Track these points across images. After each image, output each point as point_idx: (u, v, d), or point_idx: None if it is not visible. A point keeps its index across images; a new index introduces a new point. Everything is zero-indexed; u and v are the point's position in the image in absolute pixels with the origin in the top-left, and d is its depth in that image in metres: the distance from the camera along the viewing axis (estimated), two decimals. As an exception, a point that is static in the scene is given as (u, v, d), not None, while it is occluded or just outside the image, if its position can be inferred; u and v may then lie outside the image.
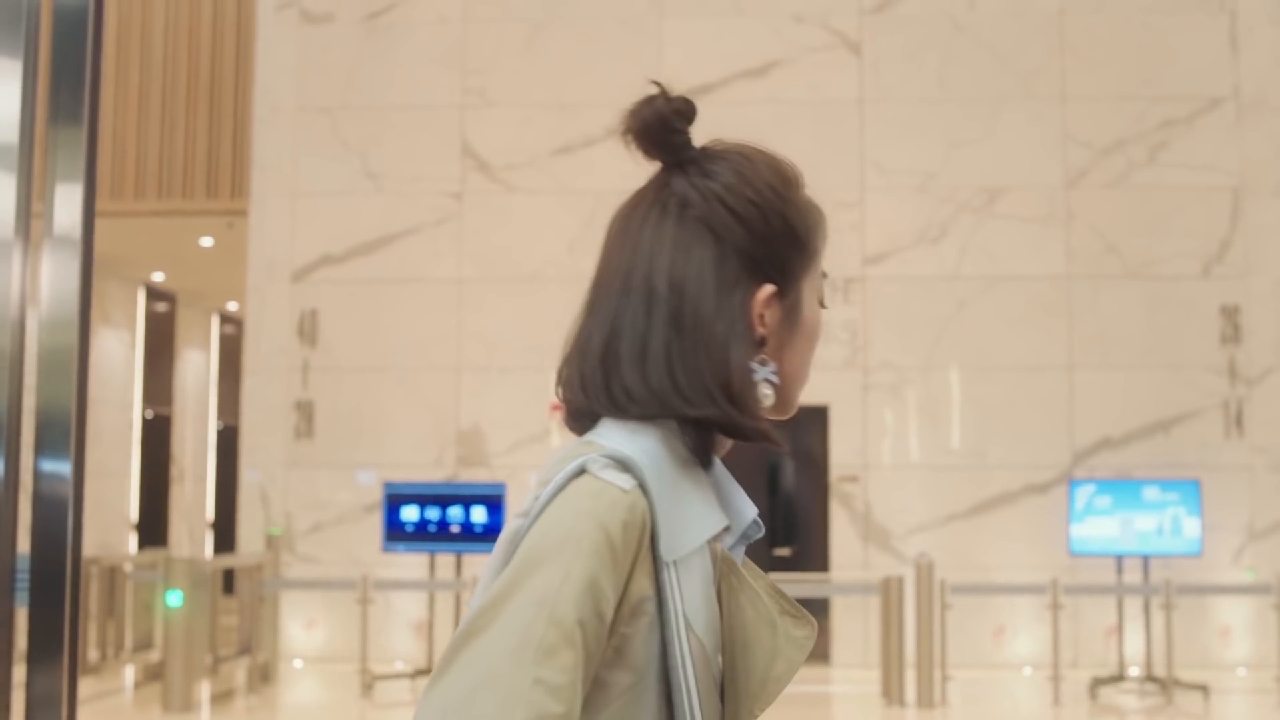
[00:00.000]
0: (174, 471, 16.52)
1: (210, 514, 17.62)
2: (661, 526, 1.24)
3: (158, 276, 15.49)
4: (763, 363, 1.32)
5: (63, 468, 2.43)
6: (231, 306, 17.63)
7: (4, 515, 2.34)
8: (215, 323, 17.94)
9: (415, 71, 11.05)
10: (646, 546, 1.23)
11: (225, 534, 17.29)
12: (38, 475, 2.43)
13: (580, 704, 1.18)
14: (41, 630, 2.38)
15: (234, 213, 11.64)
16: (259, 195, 11.12)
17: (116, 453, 15.01)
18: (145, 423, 15.85)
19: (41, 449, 2.45)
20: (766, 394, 1.32)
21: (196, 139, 11.72)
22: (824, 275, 1.38)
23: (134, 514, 15.40)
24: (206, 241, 13.11)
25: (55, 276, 2.61)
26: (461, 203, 10.91)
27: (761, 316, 1.32)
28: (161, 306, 16.31)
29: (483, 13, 11.04)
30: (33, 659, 2.39)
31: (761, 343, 1.32)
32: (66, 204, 2.65)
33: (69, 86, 2.69)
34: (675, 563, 1.24)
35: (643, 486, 1.24)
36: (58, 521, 2.40)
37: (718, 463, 1.36)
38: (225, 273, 14.03)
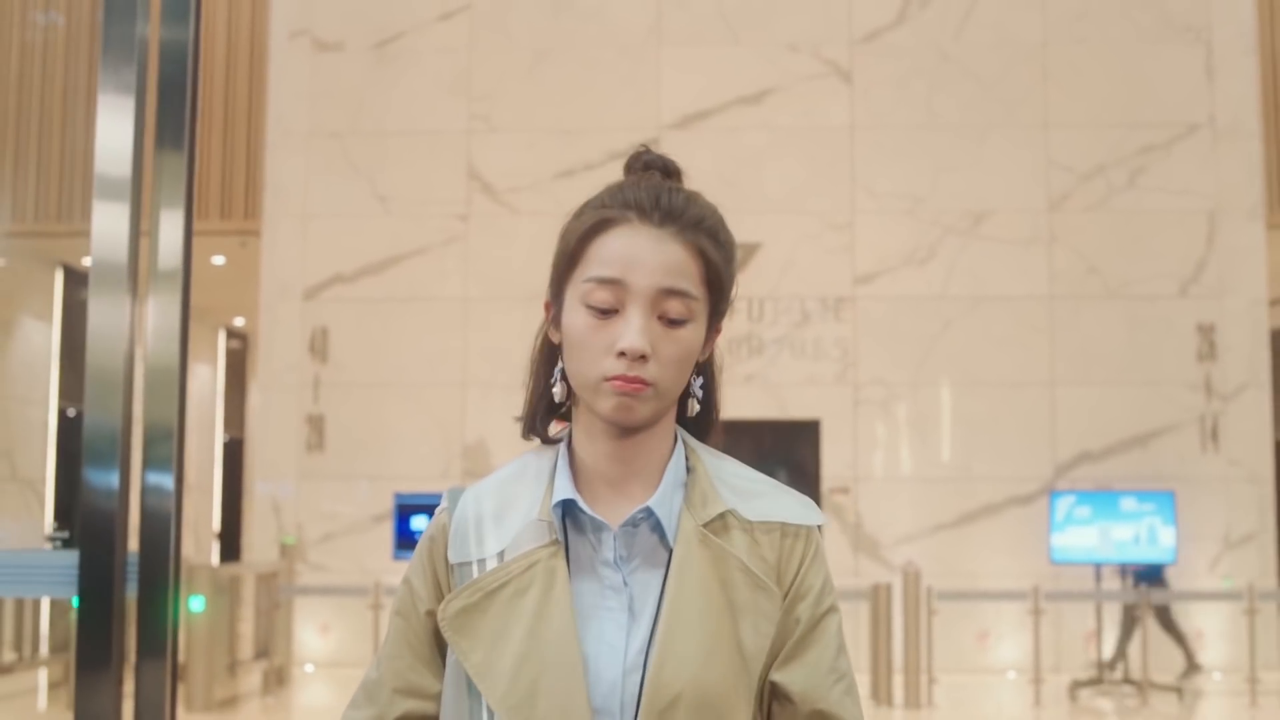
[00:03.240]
0: (182, 483, 16.87)
1: (217, 524, 17.99)
2: (450, 535, 1.49)
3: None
4: (561, 370, 1.51)
5: (166, 480, 2.82)
6: (238, 322, 18.02)
7: (118, 522, 2.73)
8: (222, 338, 18.32)
9: (423, 98, 11.46)
10: (444, 555, 1.49)
11: (231, 544, 17.67)
12: (145, 488, 2.81)
13: (407, 674, 1.50)
14: (148, 629, 2.74)
15: (247, 233, 12.04)
16: (272, 216, 11.52)
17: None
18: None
19: (148, 463, 2.84)
20: (555, 390, 1.52)
21: (211, 162, 12.13)
22: (604, 280, 1.42)
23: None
24: (219, 260, 13.51)
25: (159, 301, 2.96)
26: (467, 224, 11.32)
27: (551, 331, 1.53)
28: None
29: (488, 41, 11.46)
30: (140, 655, 2.75)
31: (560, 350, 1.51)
32: (170, 228, 2.99)
33: (172, 116, 3.01)
34: (472, 564, 1.47)
35: (453, 506, 1.51)
36: (162, 528, 2.78)
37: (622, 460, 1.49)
38: (235, 290, 14.42)
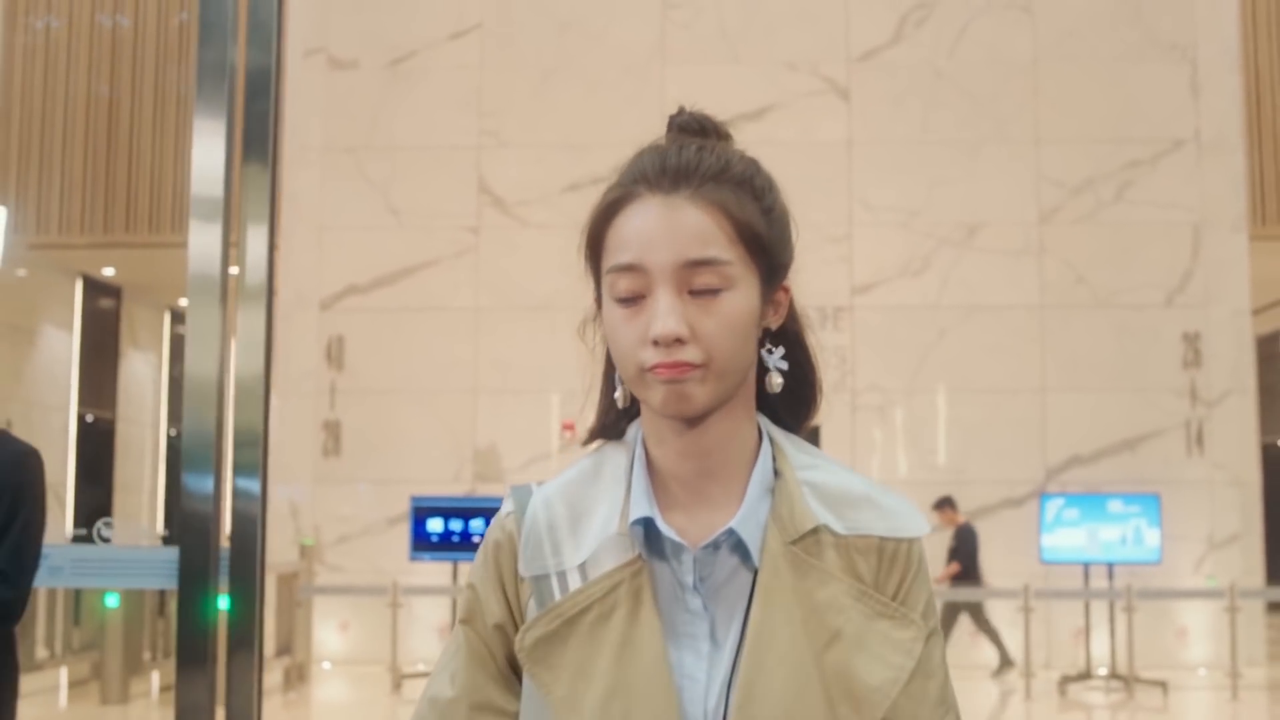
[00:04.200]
0: (195, 487, 17.28)
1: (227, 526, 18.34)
2: (521, 545, 1.35)
3: (183, 302, 16.31)
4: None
5: (253, 484, 3.19)
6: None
7: (214, 522, 3.09)
8: (234, 345, 18.68)
9: (434, 114, 11.85)
10: (512, 567, 1.36)
11: (242, 547, 18.04)
12: (235, 492, 3.17)
13: (485, 689, 1.36)
14: (239, 622, 3.06)
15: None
16: (289, 229, 11.91)
17: (146, 468, 15.78)
18: (169, 440, 16.61)
19: (237, 468, 3.20)
20: (616, 396, 1.38)
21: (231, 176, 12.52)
22: (621, 268, 1.29)
23: (160, 527, 16.15)
24: (234, 270, 13.87)
25: (246, 313, 3.25)
26: (478, 236, 11.71)
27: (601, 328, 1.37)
28: (182, 329, 17.10)
29: (498, 60, 11.86)
30: (231, 647, 3.08)
31: None
32: (256, 242, 3.29)
33: (258, 135, 3.32)
34: (550, 577, 1.33)
35: (520, 510, 1.39)
36: (250, 528, 3.14)
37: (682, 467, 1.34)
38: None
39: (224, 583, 3.03)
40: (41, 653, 10.49)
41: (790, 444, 1.38)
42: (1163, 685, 9.83)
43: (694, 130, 1.36)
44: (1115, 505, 10.26)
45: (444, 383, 11.59)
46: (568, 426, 11.37)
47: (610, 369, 1.39)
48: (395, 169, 11.82)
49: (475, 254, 11.68)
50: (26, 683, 9.67)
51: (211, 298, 3.06)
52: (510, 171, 11.70)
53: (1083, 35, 11.66)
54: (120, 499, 15.30)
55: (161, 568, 3.03)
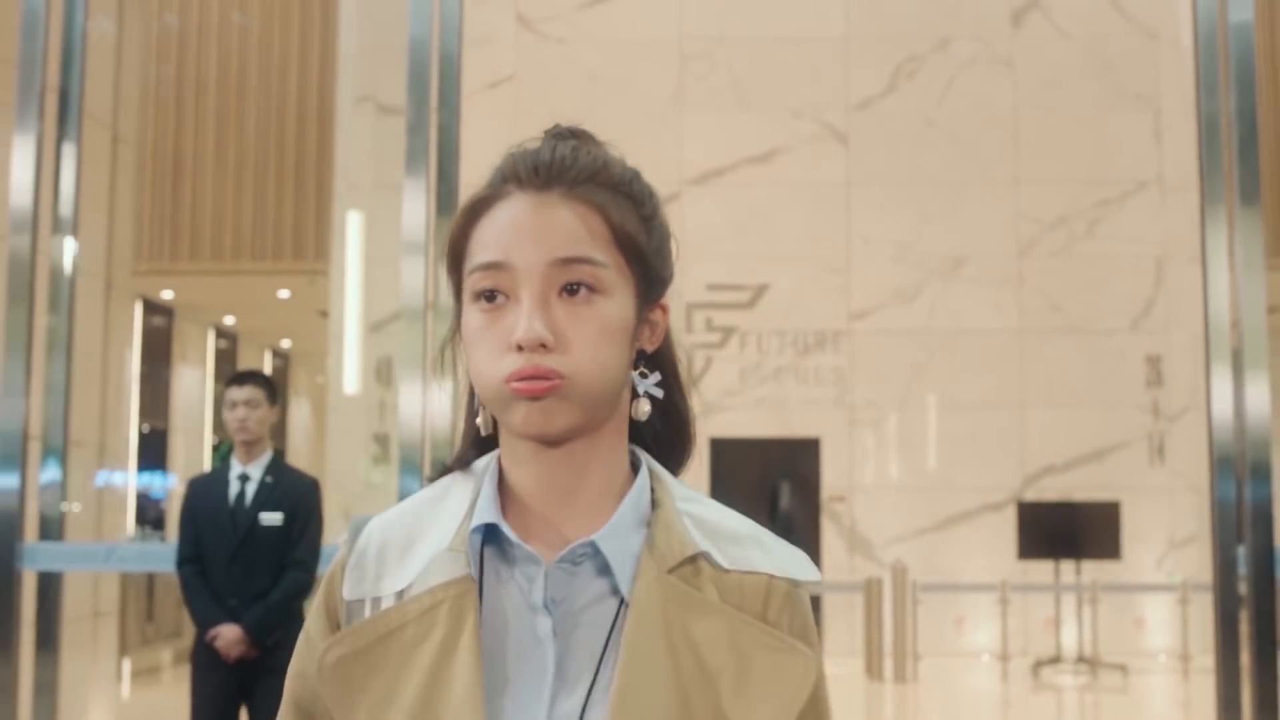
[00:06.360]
0: (236, 491, 18.45)
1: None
2: (347, 570, 1.20)
3: (228, 320, 17.51)
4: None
5: (414, 485, 4.39)
6: (284, 344, 19.60)
7: None
8: (267, 357, 19.78)
9: (471, 157, 12.96)
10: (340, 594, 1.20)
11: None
12: (401, 495, 4.35)
13: None
14: None
15: (315, 272, 13.68)
16: (339, 259, 13.10)
17: (192, 473, 16.98)
18: (213, 448, 17.81)
19: (404, 472, 4.40)
20: (478, 422, 1.22)
21: (285, 211, 13.78)
22: (484, 266, 1.15)
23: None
24: (284, 293, 15.14)
25: (439, 332, 4.28)
26: (513, 267, 12.86)
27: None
28: (224, 344, 18.26)
29: (530, 107, 13.04)
30: None
31: None
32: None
33: (447, 188, 4.31)
34: (364, 603, 1.18)
35: (353, 536, 1.22)
36: None
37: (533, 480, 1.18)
38: (291, 318, 16.05)
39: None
40: (148, 632, 11.64)
41: (672, 481, 1.24)
42: (1123, 669, 11.08)
43: (568, 135, 1.27)
44: (1082, 510, 11.52)
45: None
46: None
47: (473, 395, 1.23)
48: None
49: (510, 282, 12.81)
50: (134, 661, 10.84)
51: (416, 325, 4.05)
52: (542, 208, 12.82)
53: (1058, 87, 12.74)
54: (172, 503, 16.51)
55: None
